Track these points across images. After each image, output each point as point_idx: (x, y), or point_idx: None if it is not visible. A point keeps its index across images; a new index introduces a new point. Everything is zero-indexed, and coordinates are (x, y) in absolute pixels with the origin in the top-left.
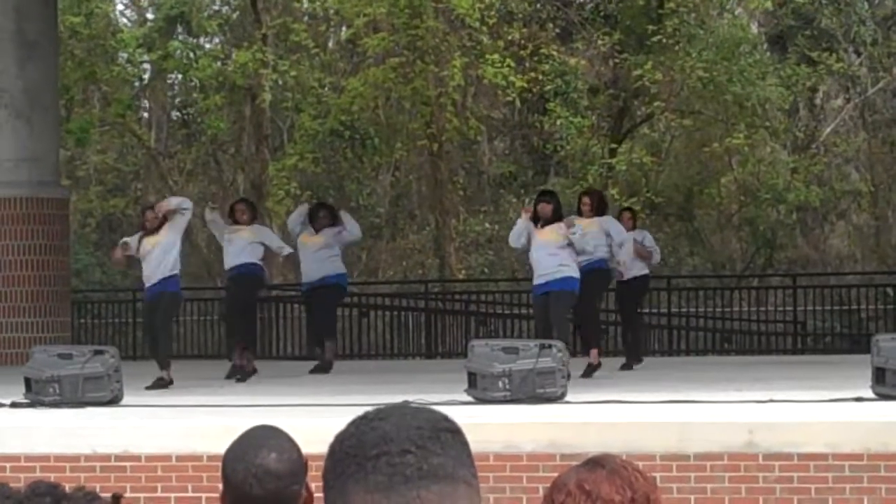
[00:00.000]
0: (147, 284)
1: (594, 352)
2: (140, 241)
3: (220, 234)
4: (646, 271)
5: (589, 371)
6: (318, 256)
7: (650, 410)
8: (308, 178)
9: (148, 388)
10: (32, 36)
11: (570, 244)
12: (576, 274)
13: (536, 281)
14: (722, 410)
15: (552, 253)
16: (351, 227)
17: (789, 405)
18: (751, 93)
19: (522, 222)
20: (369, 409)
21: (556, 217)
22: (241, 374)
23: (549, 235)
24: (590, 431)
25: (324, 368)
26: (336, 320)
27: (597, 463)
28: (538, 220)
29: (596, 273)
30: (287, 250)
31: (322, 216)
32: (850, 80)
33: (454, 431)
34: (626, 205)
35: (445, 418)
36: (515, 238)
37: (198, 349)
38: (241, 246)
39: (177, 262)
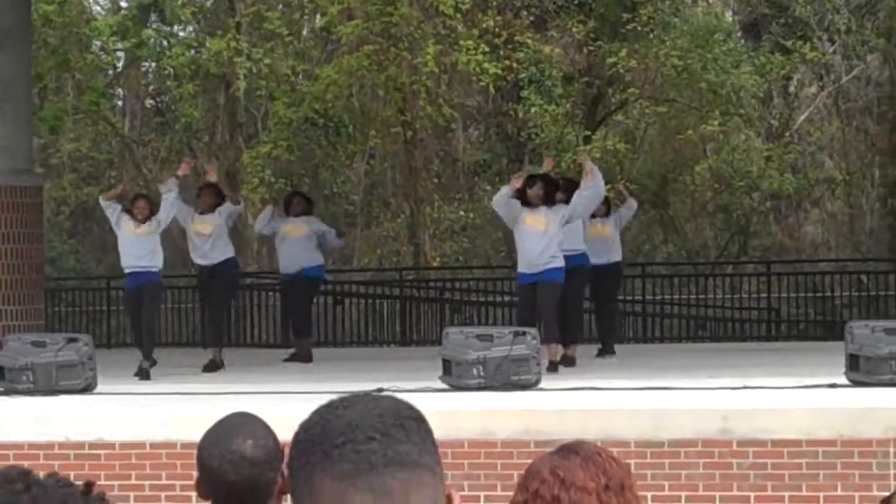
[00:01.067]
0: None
1: (574, 346)
2: (119, 218)
3: (185, 218)
4: (618, 258)
5: (567, 362)
6: (298, 247)
7: (624, 397)
8: (282, 167)
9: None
10: (5, 24)
11: (558, 230)
12: (562, 264)
13: (522, 269)
14: (696, 397)
15: (539, 242)
16: (331, 239)
17: (763, 392)
18: (725, 81)
19: (507, 189)
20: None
21: (548, 202)
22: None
23: (538, 223)
24: (564, 418)
25: (304, 360)
26: (311, 314)
27: (571, 450)
28: (527, 202)
29: (579, 269)
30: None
31: (296, 203)
32: (823, 68)
33: (418, 419)
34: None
35: (409, 406)
36: (501, 205)
37: (172, 337)
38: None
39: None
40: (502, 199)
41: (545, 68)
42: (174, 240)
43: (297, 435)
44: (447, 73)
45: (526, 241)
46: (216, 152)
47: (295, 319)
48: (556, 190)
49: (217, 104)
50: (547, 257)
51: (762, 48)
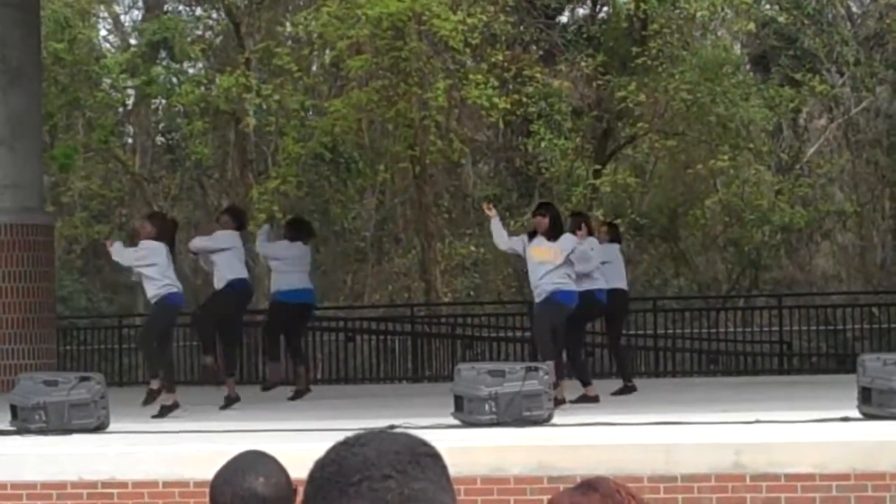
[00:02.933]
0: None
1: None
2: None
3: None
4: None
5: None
6: (299, 269)
7: (637, 432)
8: (292, 202)
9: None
10: (15, 63)
11: (566, 263)
12: (555, 288)
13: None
14: (709, 431)
15: (541, 271)
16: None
17: (776, 426)
18: (734, 114)
19: (495, 223)
20: (349, 434)
21: (555, 231)
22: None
23: (543, 255)
24: (577, 454)
25: (304, 392)
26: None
27: (590, 486)
28: (535, 233)
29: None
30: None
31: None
32: (833, 100)
33: (433, 456)
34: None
35: (424, 443)
36: (501, 242)
37: (184, 375)
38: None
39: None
40: (500, 239)
41: (554, 102)
42: (187, 279)
43: (312, 472)
44: (457, 108)
45: (531, 272)
46: (227, 189)
47: (294, 349)
48: (582, 223)
49: (227, 141)
50: (541, 283)
51: (771, 81)
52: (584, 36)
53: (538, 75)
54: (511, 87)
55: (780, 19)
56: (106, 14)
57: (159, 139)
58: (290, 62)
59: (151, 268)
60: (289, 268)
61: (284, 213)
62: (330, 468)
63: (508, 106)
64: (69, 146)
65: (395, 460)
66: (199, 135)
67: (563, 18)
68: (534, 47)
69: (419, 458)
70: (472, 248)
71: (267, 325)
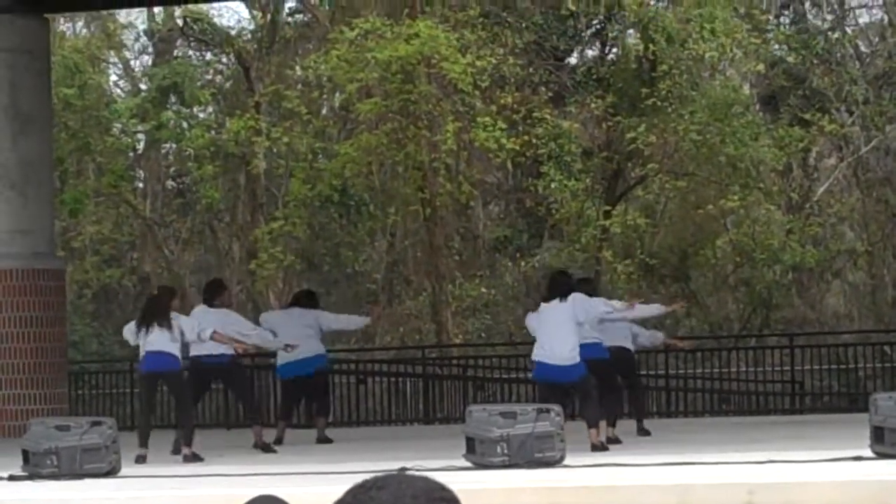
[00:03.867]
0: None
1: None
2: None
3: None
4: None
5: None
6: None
7: (650, 473)
8: (303, 245)
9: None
10: (27, 109)
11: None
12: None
13: None
14: (721, 471)
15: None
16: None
17: (788, 465)
18: (744, 154)
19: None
20: (367, 477)
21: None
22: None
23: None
24: (590, 495)
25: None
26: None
27: None
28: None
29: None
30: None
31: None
32: (843, 139)
33: (451, 500)
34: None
35: (442, 487)
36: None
37: (197, 419)
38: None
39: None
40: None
41: (564, 143)
42: None
43: None
44: (466, 150)
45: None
46: (237, 232)
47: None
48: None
49: (237, 184)
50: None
51: (781, 121)
52: (594, 77)
53: (548, 117)
54: (521, 128)
55: (789, 59)
56: (116, 59)
57: (170, 183)
58: (299, 105)
59: None
60: (283, 338)
61: (286, 254)
62: None
63: (517, 147)
64: (79, 191)
65: None
66: (209, 179)
67: (573, 60)
68: (543, 89)
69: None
70: (483, 290)
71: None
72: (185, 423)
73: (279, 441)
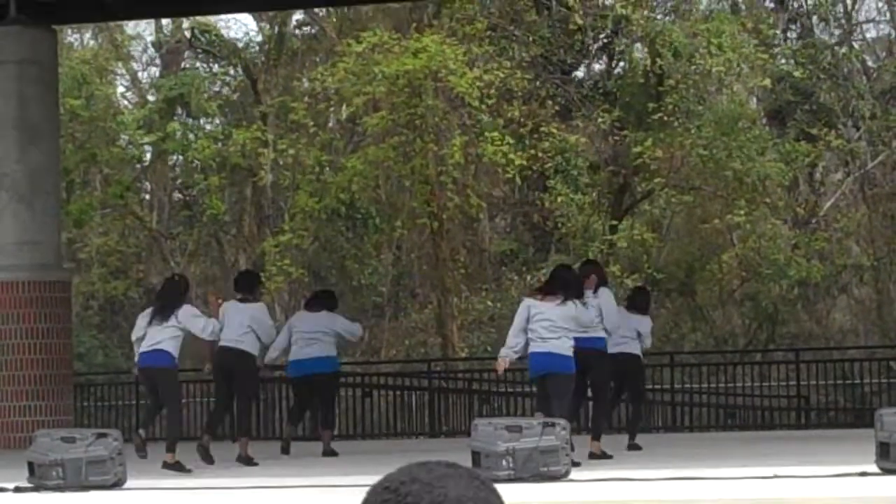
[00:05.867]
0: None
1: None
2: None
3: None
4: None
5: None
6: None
7: (655, 487)
8: (309, 258)
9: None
10: (35, 120)
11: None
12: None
13: None
14: (727, 487)
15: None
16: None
17: (794, 480)
18: (750, 169)
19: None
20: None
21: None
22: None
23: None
24: None
25: (333, 452)
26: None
27: None
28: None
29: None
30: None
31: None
32: (849, 154)
33: None
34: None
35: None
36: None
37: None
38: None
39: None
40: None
41: (571, 157)
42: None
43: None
44: (473, 164)
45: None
46: (244, 244)
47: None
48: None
49: (244, 196)
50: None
51: (787, 135)
52: (601, 91)
53: (554, 131)
54: (527, 142)
55: (796, 74)
56: (123, 71)
57: (176, 195)
58: (306, 117)
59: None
60: (296, 339)
61: (295, 266)
62: None
63: (524, 161)
64: (85, 203)
65: None
66: (215, 190)
67: (580, 74)
68: (550, 103)
69: None
70: (489, 303)
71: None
72: (171, 425)
73: (286, 448)
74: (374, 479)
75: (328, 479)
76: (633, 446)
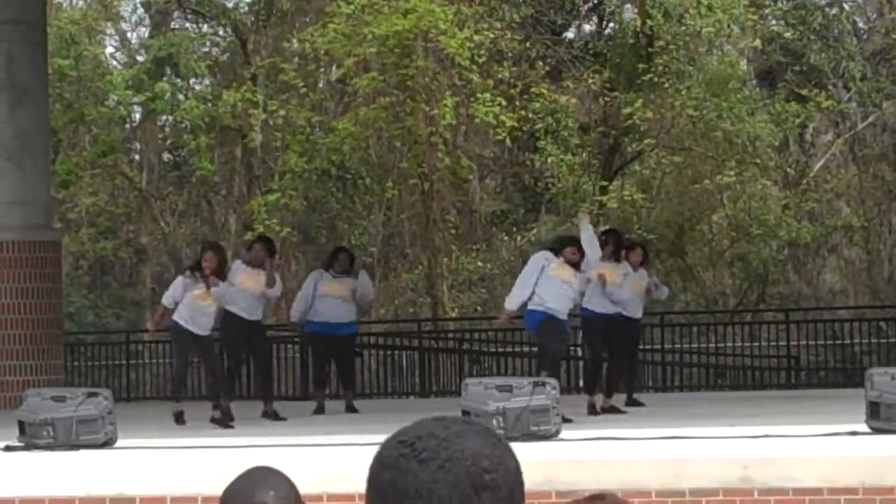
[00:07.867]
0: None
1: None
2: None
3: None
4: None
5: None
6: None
7: (645, 447)
8: (300, 218)
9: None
10: (23, 81)
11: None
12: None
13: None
14: (717, 446)
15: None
16: (365, 290)
17: (784, 440)
18: (741, 129)
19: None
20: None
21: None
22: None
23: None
24: (585, 469)
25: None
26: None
27: (598, 499)
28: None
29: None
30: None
31: (342, 259)
32: (839, 115)
33: (494, 489)
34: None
35: (486, 471)
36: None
37: (192, 391)
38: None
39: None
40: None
41: (561, 118)
42: None
43: (371, 474)
44: (464, 125)
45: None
46: (234, 205)
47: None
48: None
49: (234, 157)
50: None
51: (777, 96)
52: (591, 52)
53: (545, 91)
54: (518, 103)
55: (787, 35)
56: (112, 31)
57: (166, 156)
58: (296, 78)
59: None
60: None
61: (283, 225)
62: (384, 478)
63: (515, 123)
64: (72, 163)
65: (453, 494)
66: (204, 151)
67: (570, 35)
68: (540, 63)
69: (479, 494)
70: (479, 264)
71: None
72: (214, 385)
73: (321, 409)
74: (368, 438)
75: (320, 438)
76: (633, 402)
